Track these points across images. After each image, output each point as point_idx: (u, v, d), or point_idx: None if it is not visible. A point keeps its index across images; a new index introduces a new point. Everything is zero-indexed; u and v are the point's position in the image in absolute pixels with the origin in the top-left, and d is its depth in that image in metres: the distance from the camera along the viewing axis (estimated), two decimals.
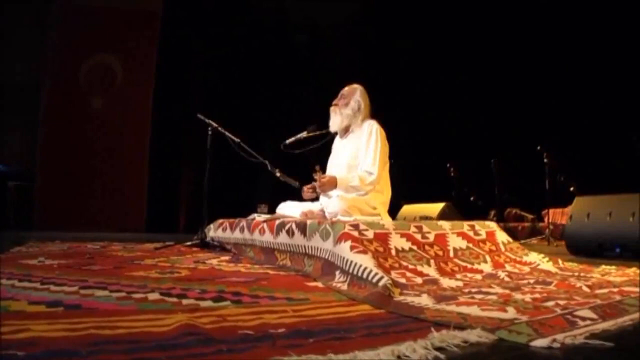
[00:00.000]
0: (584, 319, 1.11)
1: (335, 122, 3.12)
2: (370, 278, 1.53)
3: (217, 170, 3.69)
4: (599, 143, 4.57)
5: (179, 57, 6.42)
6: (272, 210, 3.57)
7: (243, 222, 3.01)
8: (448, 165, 6.19)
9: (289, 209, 3.24)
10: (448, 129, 6.24)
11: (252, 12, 6.39)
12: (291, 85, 6.56)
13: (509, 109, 5.69)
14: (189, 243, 3.49)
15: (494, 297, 1.39)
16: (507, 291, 1.50)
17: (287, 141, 3.55)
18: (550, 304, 1.29)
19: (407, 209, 4.81)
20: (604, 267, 2.10)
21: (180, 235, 5.62)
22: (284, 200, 3.42)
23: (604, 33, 4.82)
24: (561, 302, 1.30)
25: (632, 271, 1.95)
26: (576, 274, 1.90)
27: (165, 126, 6.34)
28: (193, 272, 1.98)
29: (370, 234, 1.91)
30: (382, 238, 1.92)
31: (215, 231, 3.46)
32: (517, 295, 1.43)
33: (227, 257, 2.75)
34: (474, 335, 0.95)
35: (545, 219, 4.62)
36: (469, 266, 1.94)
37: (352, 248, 1.74)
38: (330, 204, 2.79)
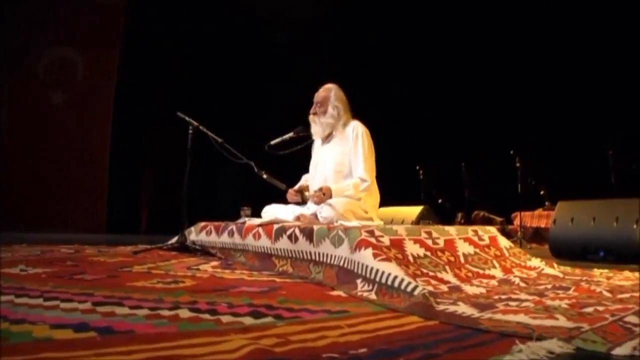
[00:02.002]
0: (635, 325, 1.14)
1: (317, 131, 3.10)
2: (403, 287, 1.49)
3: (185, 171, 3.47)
4: (571, 150, 4.82)
5: (144, 53, 6.09)
6: (254, 213, 3.47)
7: (232, 226, 2.89)
8: (417, 167, 6.31)
9: (277, 212, 3.15)
10: (419, 131, 6.35)
11: (224, 6, 6.19)
12: (266, 83, 6.43)
13: (481, 113, 5.88)
14: (165, 247, 3.33)
15: (530, 304, 1.40)
16: (536, 297, 1.52)
17: (272, 142, 3.47)
18: (589, 310, 1.32)
19: (383, 212, 4.82)
20: (601, 271, 2.19)
21: (142, 237, 5.35)
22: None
23: (578, 39, 5.08)
24: (600, 308, 1.32)
25: (631, 275, 2.05)
26: (584, 278, 1.97)
27: (127, 124, 6.00)
28: (198, 282, 1.86)
29: (386, 240, 1.88)
30: (398, 244, 1.89)
31: (198, 235, 3.30)
32: (549, 302, 1.44)
33: (216, 263, 2.64)
34: (555, 346, 0.94)
35: (515, 222, 4.82)
36: (481, 272, 1.95)
37: (375, 255, 1.70)
38: (325, 208, 2.74)
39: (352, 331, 1.07)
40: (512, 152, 4.37)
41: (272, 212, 3.19)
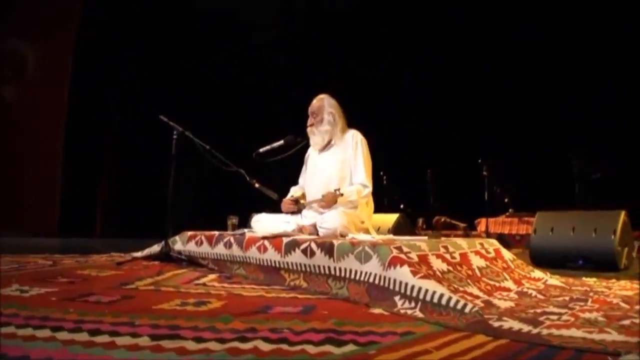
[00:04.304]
0: None
1: (317, 141, 3.15)
2: (452, 305, 1.53)
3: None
4: (537, 159, 5.17)
5: (101, 47, 5.70)
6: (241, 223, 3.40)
7: (229, 237, 2.79)
8: (381, 173, 6.47)
9: (268, 222, 3.10)
10: (384, 138, 6.50)
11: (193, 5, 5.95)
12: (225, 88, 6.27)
13: (448, 122, 6.14)
14: (146, 256, 3.20)
15: (570, 318, 1.49)
16: (567, 310, 1.62)
17: (261, 150, 3.41)
18: (627, 322, 1.43)
19: None
20: (594, 280, 2.39)
21: (97, 241, 5.07)
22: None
23: (545, 52, 5.43)
24: (636, 321, 1.44)
25: (625, 284, 2.25)
26: (585, 287, 2.14)
27: (83, 122, 5.59)
28: (224, 301, 1.78)
29: (414, 256, 1.91)
30: (424, 260, 1.93)
31: (185, 245, 3.15)
32: (583, 315, 1.55)
33: (214, 275, 2.56)
34: None
35: (479, 228, 5.09)
36: (497, 285, 2.04)
37: (413, 273, 1.73)
38: (327, 219, 2.74)
39: (446, 355, 1.09)
40: (479, 160, 4.62)
41: (263, 221, 3.14)
